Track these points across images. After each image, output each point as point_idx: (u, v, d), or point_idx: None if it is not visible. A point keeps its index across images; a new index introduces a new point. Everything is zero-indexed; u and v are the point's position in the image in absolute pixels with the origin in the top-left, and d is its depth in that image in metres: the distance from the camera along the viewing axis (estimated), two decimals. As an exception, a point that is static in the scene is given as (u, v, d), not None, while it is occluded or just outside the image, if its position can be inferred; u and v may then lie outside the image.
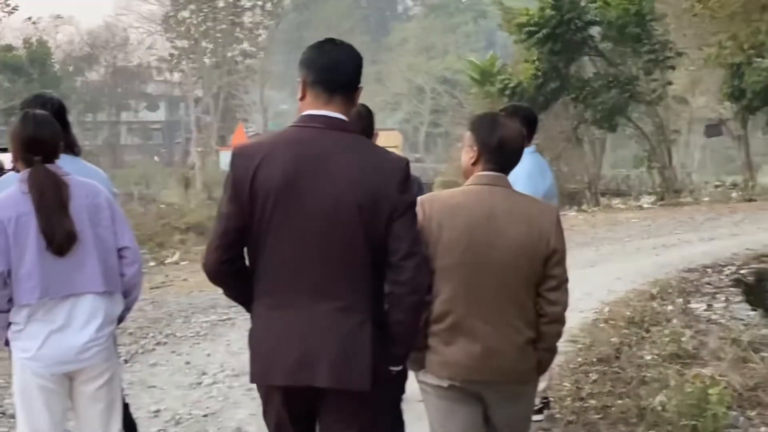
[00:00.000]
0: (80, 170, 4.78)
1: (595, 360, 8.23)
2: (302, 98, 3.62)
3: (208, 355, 9.18)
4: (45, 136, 4.32)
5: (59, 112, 4.85)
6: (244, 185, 3.46)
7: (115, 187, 4.99)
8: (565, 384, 7.54)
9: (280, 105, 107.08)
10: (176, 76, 75.23)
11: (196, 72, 67.07)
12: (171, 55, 68.30)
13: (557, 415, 6.80)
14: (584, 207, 29.61)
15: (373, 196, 3.43)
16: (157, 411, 7.17)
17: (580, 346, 8.93)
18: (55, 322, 4.23)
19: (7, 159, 4.86)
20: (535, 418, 6.14)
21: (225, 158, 63.62)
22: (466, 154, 4.11)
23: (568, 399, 7.13)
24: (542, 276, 3.95)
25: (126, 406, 5.12)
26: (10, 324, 4.28)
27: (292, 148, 3.49)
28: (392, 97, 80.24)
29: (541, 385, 5.70)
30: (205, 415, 7.11)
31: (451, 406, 4.04)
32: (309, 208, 3.42)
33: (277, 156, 3.47)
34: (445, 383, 3.98)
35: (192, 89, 66.88)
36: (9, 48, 63.55)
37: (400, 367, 3.71)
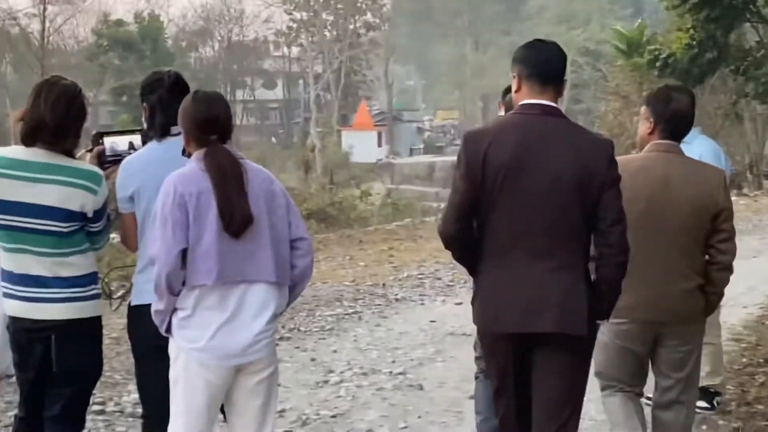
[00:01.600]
0: None
1: (762, 360, 8.07)
2: (518, 90, 4.48)
3: (335, 351, 9.28)
4: (220, 115, 4.40)
5: (177, 86, 4.94)
6: (476, 164, 4.30)
7: None
8: (729, 387, 7.39)
9: (406, 81, 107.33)
10: (294, 51, 76.20)
11: (315, 46, 67.76)
12: (289, 28, 69.27)
13: (720, 422, 6.69)
14: (745, 191, 28.97)
15: (586, 172, 4.28)
16: (283, 411, 7.25)
17: (744, 345, 8.76)
18: (226, 311, 4.29)
19: (108, 143, 4.97)
20: (701, 404, 6.38)
21: (347, 139, 64.38)
22: (643, 126, 5.20)
23: (733, 404, 7.01)
24: (712, 230, 4.97)
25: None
26: (175, 310, 4.34)
27: (517, 132, 4.35)
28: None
29: (717, 379, 6.81)
30: (334, 416, 7.19)
31: (624, 345, 5.09)
32: (533, 183, 4.28)
33: (504, 139, 4.33)
34: (623, 325, 5.00)
35: (311, 65, 67.48)
36: (120, 23, 65.05)
37: (604, 321, 4.57)
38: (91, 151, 4.95)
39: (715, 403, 6.86)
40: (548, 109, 4.41)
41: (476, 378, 5.64)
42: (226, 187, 4.25)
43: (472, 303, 4.55)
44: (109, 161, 4.90)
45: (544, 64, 4.45)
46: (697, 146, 6.12)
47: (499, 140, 4.33)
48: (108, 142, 4.92)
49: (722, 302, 5.49)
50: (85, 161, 4.83)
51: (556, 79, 4.45)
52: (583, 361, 4.52)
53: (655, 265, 4.91)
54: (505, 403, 4.59)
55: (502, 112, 5.44)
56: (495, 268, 4.40)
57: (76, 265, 4.62)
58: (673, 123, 5.08)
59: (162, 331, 4.39)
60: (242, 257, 4.29)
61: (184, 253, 4.23)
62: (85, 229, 4.64)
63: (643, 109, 5.20)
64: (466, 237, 4.43)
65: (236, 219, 4.24)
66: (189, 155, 4.43)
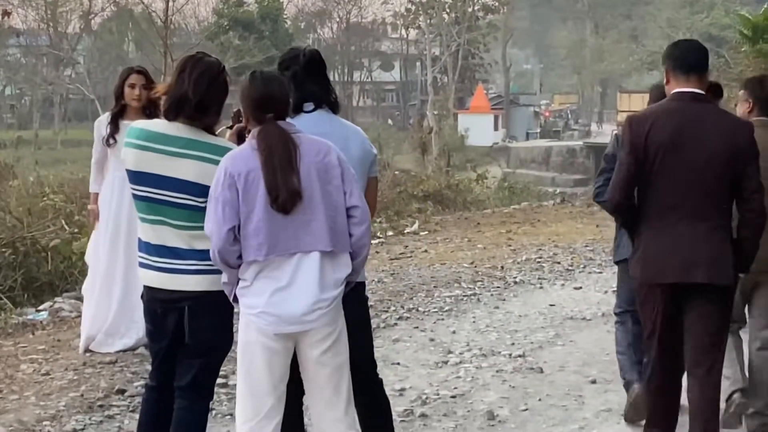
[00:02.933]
0: (338, 127, 4.93)
1: None
2: (668, 82, 5.36)
3: (453, 332, 9.28)
4: (275, 93, 4.51)
5: (312, 63, 5.00)
6: (640, 143, 5.18)
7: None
8: None
9: (523, 65, 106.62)
10: (412, 34, 76.21)
11: (433, 29, 67.59)
12: (407, 10, 69.24)
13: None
14: None
15: (734, 149, 5.16)
16: (402, 389, 7.29)
17: None
18: (281, 279, 4.43)
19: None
20: None
21: (463, 122, 64.14)
22: (742, 107, 6.19)
23: None
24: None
25: (380, 383, 5.26)
26: (239, 280, 4.51)
27: (674, 116, 5.22)
28: (649, 56, 78.28)
29: None
30: (453, 396, 7.20)
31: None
32: (690, 158, 5.14)
33: (663, 122, 5.20)
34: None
35: (428, 47, 67.34)
36: (240, 3, 65.71)
37: (742, 274, 5.38)
38: (231, 128, 5.04)
39: None
40: (697, 96, 5.26)
41: (616, 324, 6.78)
42: (273, 165, 4.37)
43: (630, 258, 5.49)
44: None
45: (685, 57, 5.33)
46: None
47: (659, 123, 5.20)
48: None
49: None
50: (224, 138, 4.93)
51: (697, 69, 5.29)
52: (728, 307, 5.35)
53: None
54: (656, 344, 5.35)
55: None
56: (655, 229, 5.25)
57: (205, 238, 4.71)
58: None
59: (231, 300, 4.61)
60: (295, 229, 4.41)
61: (237, 229, 4.39)
62: None
63: (742, 92, 6.25)
64: (630, 203, 5.31)
65: (282, 196, 4.36)
66: (248, 132, 4.60)
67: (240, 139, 4.91)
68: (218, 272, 4.67)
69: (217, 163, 4.60)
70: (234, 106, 4.99)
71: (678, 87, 5.27)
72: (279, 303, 4.42)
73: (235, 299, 4.58)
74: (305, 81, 4.89)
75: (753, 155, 5.19)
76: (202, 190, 4.62)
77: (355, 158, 4.84)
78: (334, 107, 5.08)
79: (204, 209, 4.61)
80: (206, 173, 4.62)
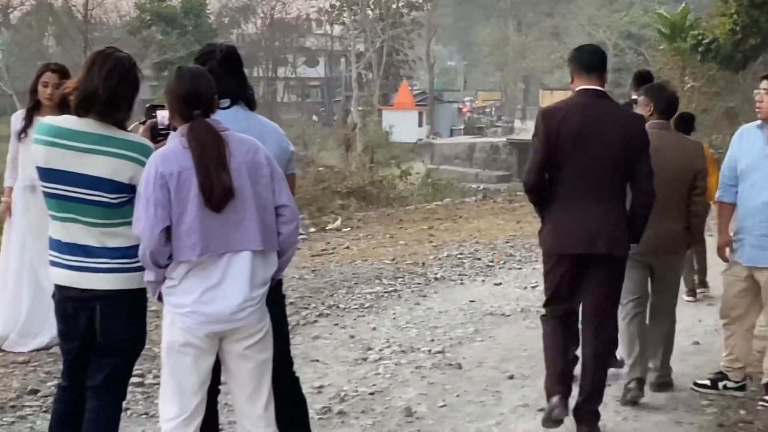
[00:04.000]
0: (255, 124, 4.89)
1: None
2: (572, 81, 6.18)
3: (374, 329, 9.27)
4: (202, 89, 4.45)
5: (229, 59, 4.96)
6: (551, 133, 5.94)
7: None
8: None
9: (447, 62, 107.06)
10: (337, 30, 76.10)
11: (357, 25, 67.63)
12: (332, 6, 69.08)
13: (759, 406, 6.67)
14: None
15: (628, 138, 5.96)
16: (321, 387, 7.27)
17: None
18: (211, 279, 4.39)
19: (160, 116, 4.98)
20: (703, 381, 7.19)
21: (388, 118, 64.22)
22: (643, 110, 6.98)
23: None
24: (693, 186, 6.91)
25: (296, 381, 5.24)
26: (164, 279, 4.46)
27: (580, 110, 6.01)
28: (570, 53, 79.20)
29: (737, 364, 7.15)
30: (372, 393, 7.19)
31: (631, 270, 6.53)
32: (592, 147, 5.91)
33: (571, 115, 5.98)
34: (636, 256, 6.52)
35: (353, 44, 67.37)
36: (163, -3, 65.01)
37: (635, 244, 6.18)
38: (144, 123, 4.97)
39: (721, 386, 7.06)
40: (599, 93, 6.09)
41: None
42: (206, 163, 4.32)
43: (540, 232, 6.24)
44: (161, 134, 4.91)
45: (586, 59, 6.15)
46: (758, 142, 6.92)
47: (568, 116, 5.99)
48: (161, 115, 4.92)
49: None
50: (137, 134, 4.86)
51: (597, 69, 6.11)
52: (621, 274, 6.19)
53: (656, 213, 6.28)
54: (554, 307, 6.19)
55: (634, 96, 7.70)
56: (564, 207, 6.04)
57: (124, 236, 4.63)
58: (668, 108, 7.05)
59: (155, 299, 4.56)
60: (226, 228, 4.38)
61: (168, 229, 4.33)
62: (133, 200, 4.66)
63: (643, 97, 7.07)
64: (543, 185, 6.10)
65: (216, 193, 4.32)
66: (174, 129, 4.52)
67: (153, 134, 4.86)
68: (131, 270, 4.62)
69: (130, 159, 4.54)
70: (150, 102, 4.91)
71: (582, 84, 6.10)
72: (208, 302, 4.38)
73: (160, 297, 4.53)
74: (222, 77, 4.83)
75: (644, 143, 6.01)
76: (115, 187, 4.56)
77: (272, 155, 4.81)
78: (250, 104, 5.04)
79: (117, 206, 4.55)
80: (119, 169, 4.56)
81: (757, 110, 6.87)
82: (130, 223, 4.59)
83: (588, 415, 6.12)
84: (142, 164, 4.55)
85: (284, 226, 4.55)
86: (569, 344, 6.23)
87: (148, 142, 4.73)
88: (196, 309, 4.38)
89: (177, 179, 4.31)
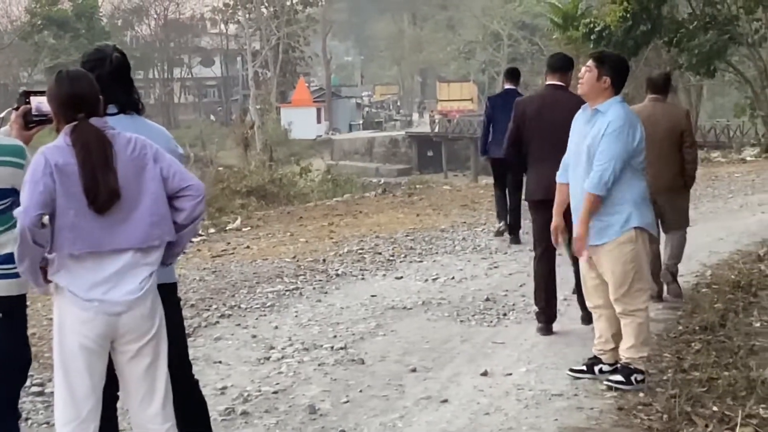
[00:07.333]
0: (142, 129, 4.83)
1: (697, 328, 8.14)
2: (546, 78, 8.70)
3: (276, 327, 9.24)
4: (84, 92, 4.39)
5: (119, 69, 4.89)
6: (520, 115, 8.57)
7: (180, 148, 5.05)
8: (666, 354, 7.49)
9: (344, 57, 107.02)
10: (232, 29, 75.66)
11: (252, 23, 67.36)
12: (225, 5, 68.68)
13: (658, 389, 6.76)
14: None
15: (572, 116, 7.25)
16: (224, 388, 7.23)
17: (680, 313, 8.85)
18: (96, 277, 4.35)
19: (35, 102, 4.89)
20: (616, 378, 6.88)
21: (286, 116, 64.08)
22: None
23: (670, 371, 7.07)
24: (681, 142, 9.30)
25: (196, 384, 5.20)
26: (46, 263, 4.38)
27: (542, 98, 8.69)
28: (465, 45, 79.64)
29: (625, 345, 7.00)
30: (275, 392, 7.16)
31: None
32: (548, 124, 8.24)
33: (534, 102, 8.72)
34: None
35: (248, 42, 67.06)
36: (54, 1, 64.14)
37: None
38: (17, 109, 4.88)
39: (633, 380, 6.84)
40: (558, 86, 8.57)
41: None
42: (92, 165, 4.28)
43: (526, 184, 9.02)
44: (35, 121, 4.85)
45: (553, 63, 8.71)
46: (612, 116, 6.84)
47: (532, 103, 8.72)
48: (35, 101, 4.83)
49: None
50: (10, 119, 4.79)
51: (560, 70, 8.59)
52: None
53: (657, 162, 8.72)
54: (540, 238, 8.35)
55: (507, 86, 13.16)
56: (533, 169, 8.53)
57: (6, 243, 4.55)
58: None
59: (37, 286, 4.46)
60: (112, 227, 4.35)
61: (50, 219, 4.28)
62: (16, 204, 4.58)
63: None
64: (517, 154, 8.77)
65: (101, 197, 4.29)
66: (58, 131, 4.46)
67: (26, 121, 4.79)
68: (8, 277, 4.55)
69: (7, 164, 4.53)
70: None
71: (549, 81, 8.62)
72: (97, 299, 4.33)
73: (46, 292, 4.46)
74: (111, 85, 4.77)
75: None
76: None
77: (161, 148, 4.77)
78: (137, 109, 4.99)
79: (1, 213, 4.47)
80: (3, 177, 4.49)
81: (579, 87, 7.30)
82: (10, 229, 4.52)
83: None
84: (20, 166, 4.52)
85: (188, 201, 4.49)
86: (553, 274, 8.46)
87: (17, 141, 4.71)
88: (86, 305, 4.33)
89: (62, 171, 4.26)
